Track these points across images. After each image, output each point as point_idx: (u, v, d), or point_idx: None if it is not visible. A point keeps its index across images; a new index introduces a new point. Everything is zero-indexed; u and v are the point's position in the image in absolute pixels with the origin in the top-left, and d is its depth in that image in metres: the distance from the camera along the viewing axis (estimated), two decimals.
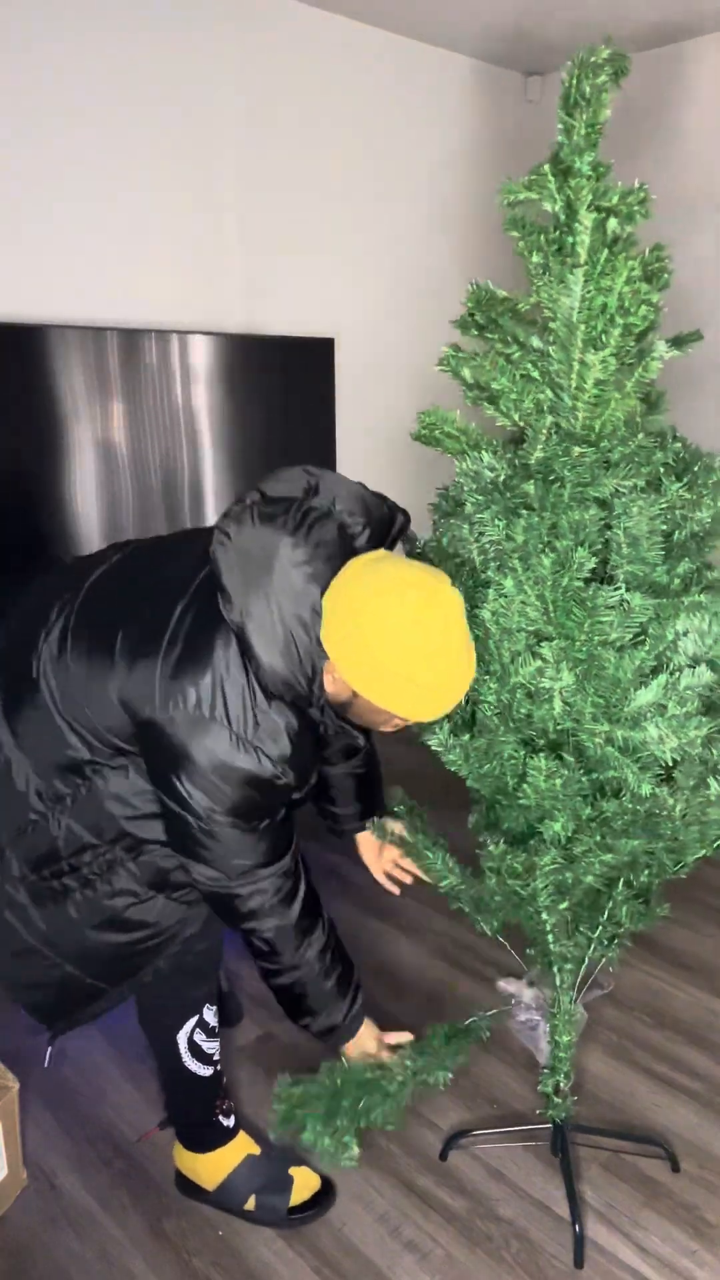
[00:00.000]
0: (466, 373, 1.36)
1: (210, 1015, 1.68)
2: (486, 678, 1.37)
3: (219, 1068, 1.72)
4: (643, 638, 1.28)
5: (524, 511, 1.28)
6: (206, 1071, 1.69)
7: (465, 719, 1.48)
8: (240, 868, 1.39)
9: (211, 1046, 1.69)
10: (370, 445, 3.91)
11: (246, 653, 1.29)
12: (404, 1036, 1.62)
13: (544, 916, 1.50)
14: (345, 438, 3.79)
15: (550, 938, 1.54)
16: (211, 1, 3.04)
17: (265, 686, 1.31)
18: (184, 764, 1.31)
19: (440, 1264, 1.64)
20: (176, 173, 3.08)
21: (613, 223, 1.18)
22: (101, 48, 2.83)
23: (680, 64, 3.62)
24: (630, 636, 1.27)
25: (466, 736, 1.43)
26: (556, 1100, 1.71)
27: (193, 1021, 1.65)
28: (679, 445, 1.36)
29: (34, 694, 1.40)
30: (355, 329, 3.72)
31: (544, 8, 3.29)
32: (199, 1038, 1.66)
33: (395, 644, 1.23)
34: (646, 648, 1.26)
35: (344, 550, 1.33)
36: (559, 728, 1.36)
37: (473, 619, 1.33)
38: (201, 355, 2.92)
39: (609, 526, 1.28)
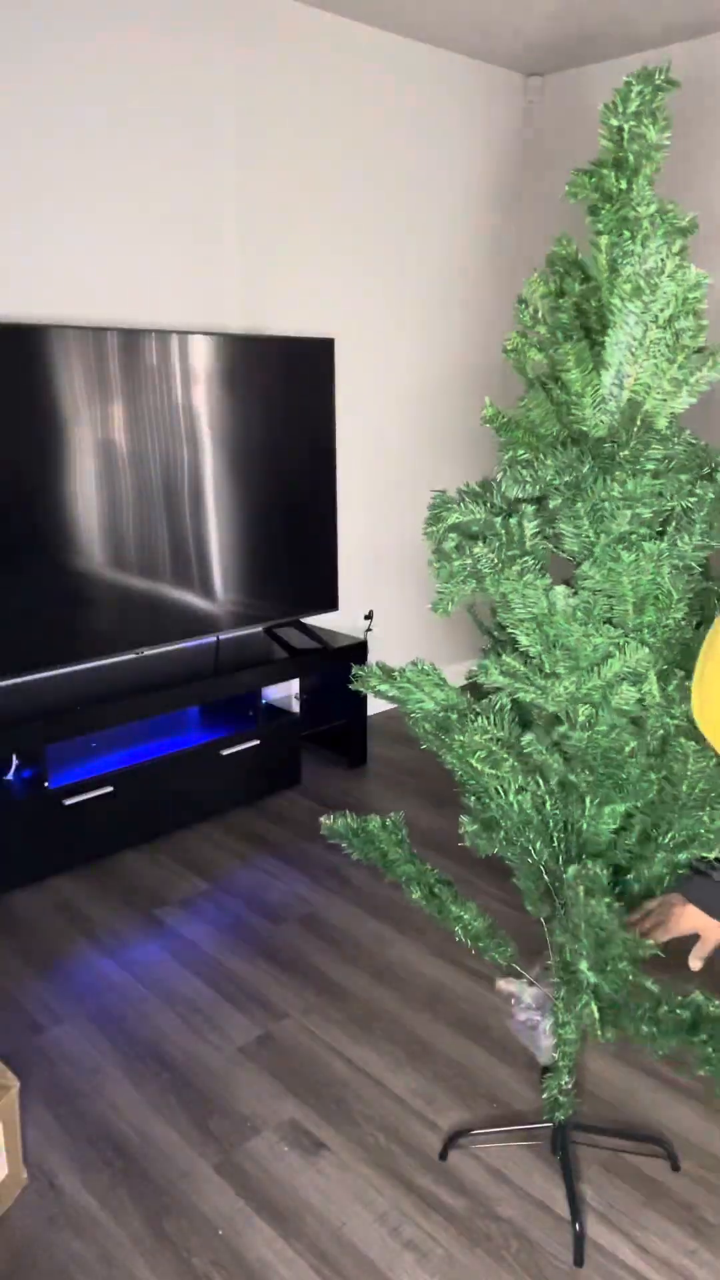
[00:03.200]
0: (535, 357, 1.36)
1: None
2: (564, 674, 1.38)
3: None
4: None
5: (620, 503, 1.28)
6: None
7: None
8: None
9: None
10: (370, 445, 3.91)
11: None
12: None
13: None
14: (345, 438, 3.79)
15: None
16: (211, 1, 3.04)
17: None
18: None
19: (440, 1264, 1.64)
20: (177, 172, 3.08)
21: (678, 242, 1.20)
22: (101, 47, 2.83)
23: (684, 63, 3.62)
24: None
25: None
26: (559, 1100, 1.71)
27: None
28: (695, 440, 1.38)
29: None
30: (355, 329, 3.72)
31: (544, 8, 3.29)
32: None
33: None
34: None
35: None
36: (647, 717, 1.39)
37: (545, 618, 1.34)
38: (201, 355, 2.92)
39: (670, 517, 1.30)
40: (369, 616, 3.93)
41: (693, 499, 1.29)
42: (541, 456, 1.32)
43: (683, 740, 1.36)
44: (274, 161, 3.33)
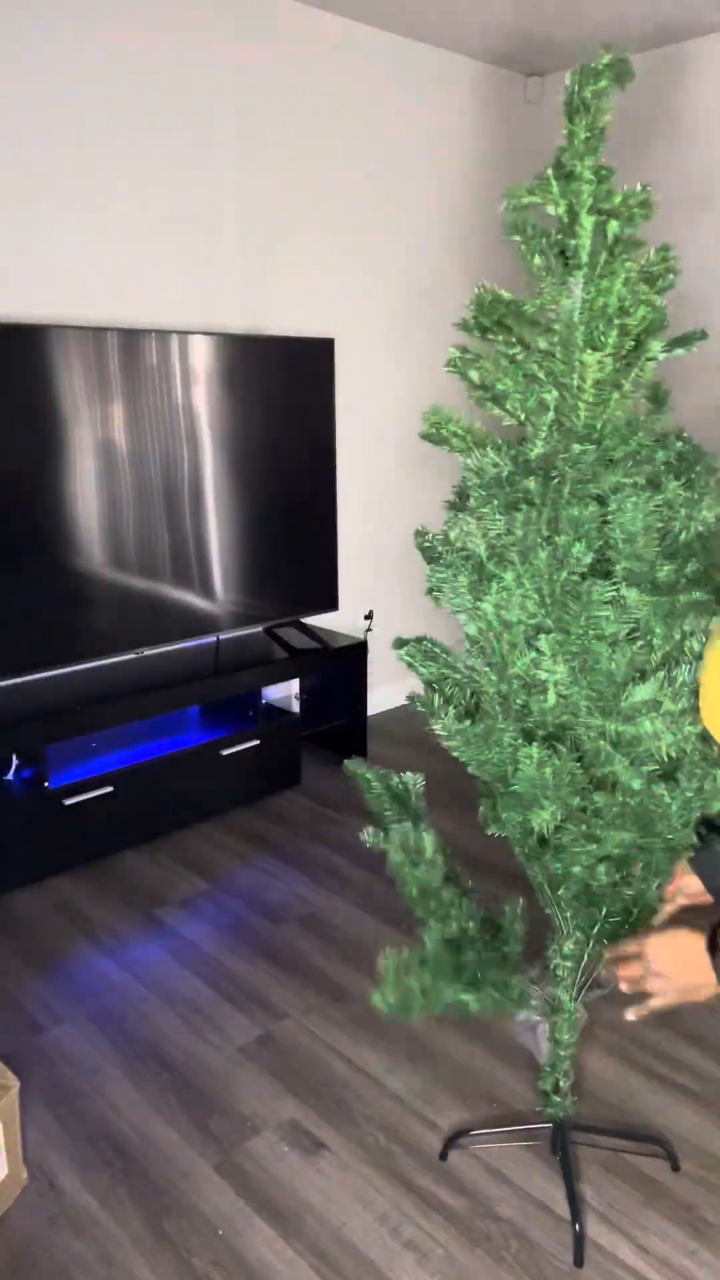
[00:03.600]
0: (474, 374, 1.39)
1: None
2: (487, 669, 1.39)
3: None
4: (638, 634, 1.29)
5: (524, 506, 1.29)
6: None
7: (469, 707, 1.49)
8: None
9: None
10: (370, 445, 3.91)
11: None
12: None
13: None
14: (345, 438, 3.79)
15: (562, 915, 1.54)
16: (211, 1, 3.04)
17: None
18: None
19: (440, 1264, 1.64)
20: (177, 172, 3.08)
21: (613, 225, 1.18)
22: (101, 47, 2.83)
23: (684, 63, 3.62)
24: (626, 632, 1.28)
25: (468, 723, 1.44)
26: (556, 1100, 1.72)
27: None
28: (681, 444, 1.36)
29: None
30: (355, 329, 3.72)
31: (544, 8, 3.29)
32: None
33: None
34: (639, 644, 1.27)
35: None
36: (556, 720, 1.37)
37: (476, 611, 1.35)
38: (201, 355, 2.92)
39: (607, 523, 1.28)
40: (369, 616, 3.93)
41: (617, 506, 1.31)
42: (468, 456, 1.40)
43: (534, 747, 1.36)
44: (274, 161, 3.33)
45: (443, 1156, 1.84)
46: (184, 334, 2.86)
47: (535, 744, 1.34)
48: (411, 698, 1.52)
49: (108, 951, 2.48)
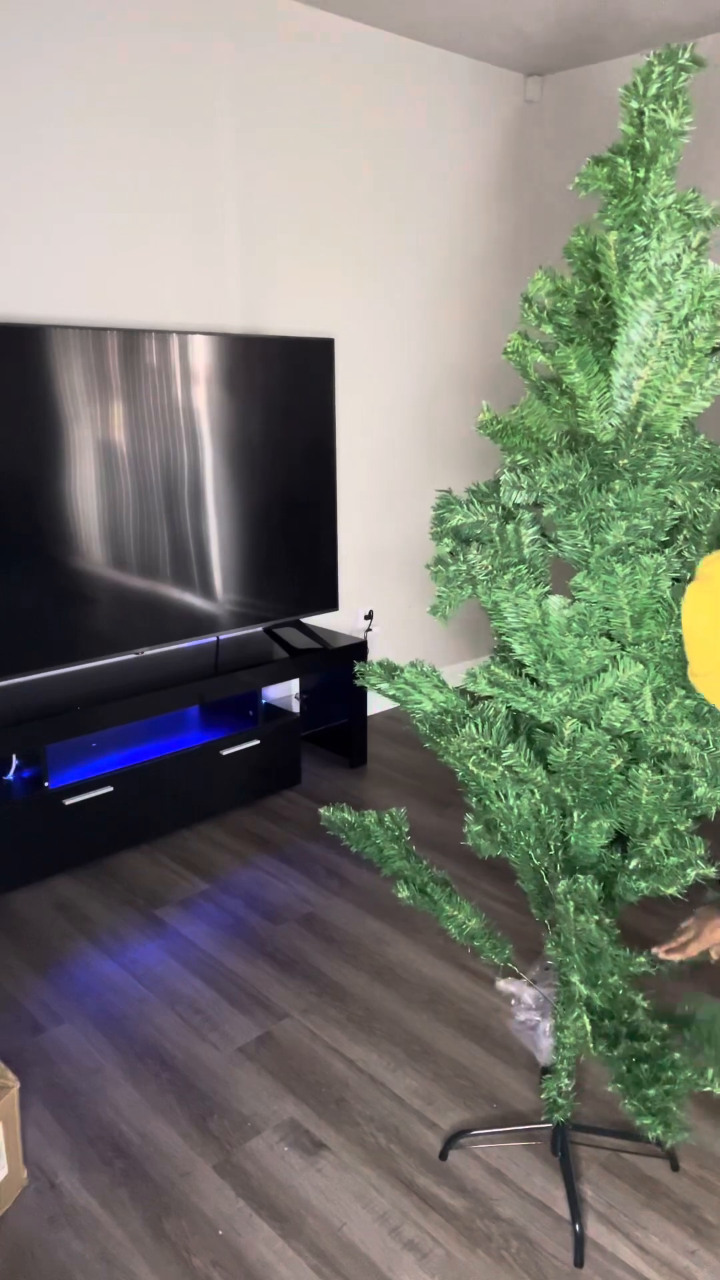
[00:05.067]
0: (537, 359, 1.29)
1: None
2: (547, 690, 1.35)
3: None
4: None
5: (616, 513, 1.24)
6: None
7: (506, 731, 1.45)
8: None
9: None
10: (370, 445, 3.91)
11: None
12: None
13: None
14: (345, 438, 3.79)
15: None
16: (211, 1, 3.04)
17: None
18: None
19: (440, 1264, 1.64)
20: (177, 172, 3.08)
21: (698, 235, 1.12)
22: (101, 48, 2.83)
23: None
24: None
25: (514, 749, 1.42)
26: (559, 1101, 1.71)
27: None
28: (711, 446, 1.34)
29: None
30: (355, 329, 3.72)
31: (544, 8, 3.29)
32: None
33: None
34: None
35: None
36: (643, 734, 1.35)
37: (539, 628, 1.31)
38: (201, 355, 2.92)
39: (679, 527, 1.27)
40: (369, 616, 3.93)
41: (699, 508, 1.25)
42: (539, 462, 1.27)
43: (642, 768, 1.33)
44: (274, 161, 3.33)
45: (443, 1156, 1.84)
46: (184, 334, 2.86)
47: (644, 766, 1.31)
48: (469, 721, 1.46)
49: (108, 951, 2.48)
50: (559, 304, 1.28)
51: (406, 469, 4.07)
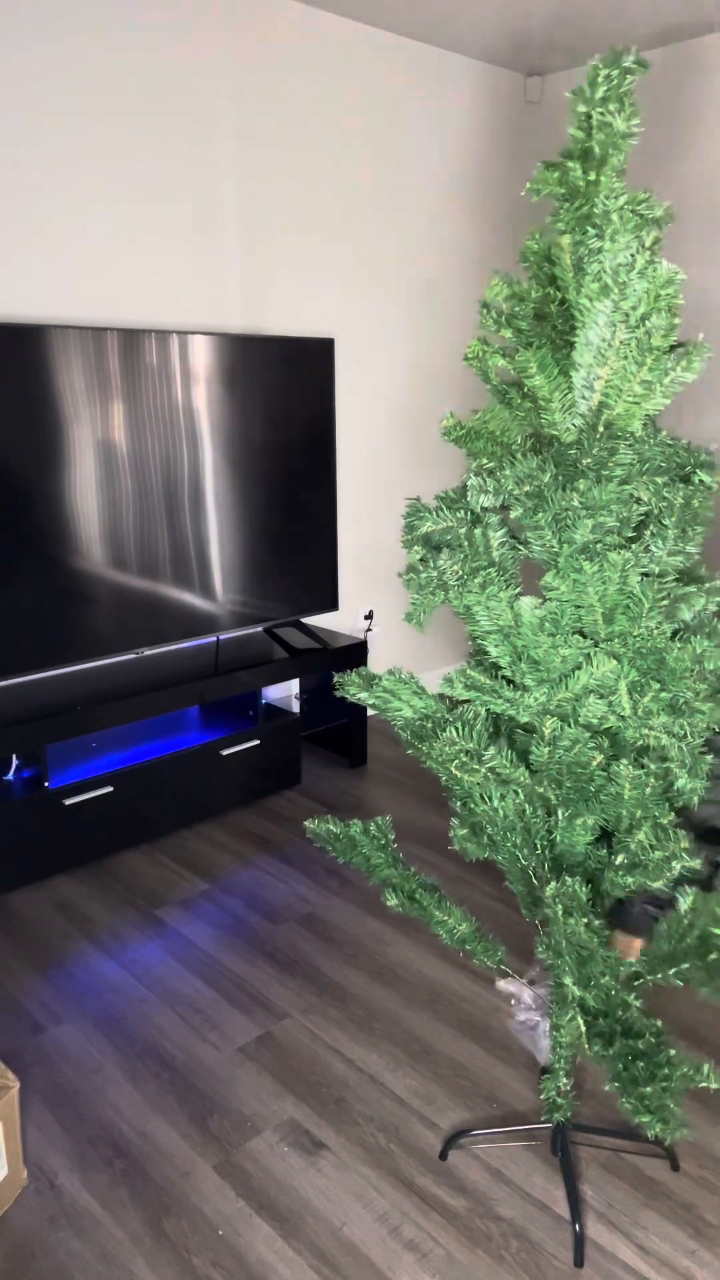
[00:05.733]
0: (498, 363, 1.31)
1: None
2: (524, 690, 1.35)
3: None
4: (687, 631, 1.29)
5: (581, 511, 1.25)
6: None
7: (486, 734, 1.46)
8: None
9: None
10: (370, 445, 3.91)
11: None
12: None
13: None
14: (345, 438, 3.79)
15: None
16: (211, 2, 3.04)
17: None
18: None
19: (440, 1264, 1.64)
20: (177, 172, 3.08)
21: (651, 235, 1.14)
22: (100, 47, 2.83)
23: (685, 63, 3.62)
24: (673, 629, 1.28)
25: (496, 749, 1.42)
26: (558, 1100, 1.71)
27: None
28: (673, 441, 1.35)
29: None
30: (355, 329, 3.72)
31: (544, 8, 3.29)
32: None
33: None
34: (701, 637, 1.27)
35: None
36: (621, 729, 1.36)
37: (516, 630, 1.31)
38: (201, 355, 2.92)
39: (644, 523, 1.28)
40: (369, 616, 3.93)
41: (663, 503, 1.26)
42: (504, 465, 1.29)
43: (623, 764, 1.33)
44: (274, 161, 3.33)
45: (443, 1156, 1.84)
46: (184, 334, 2.86)
47: (624, 761, 1.32)
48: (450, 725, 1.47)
49: (108, 951, 2.48)
50: (517, 308, 1.29)
51: (406, 469, 4.07)
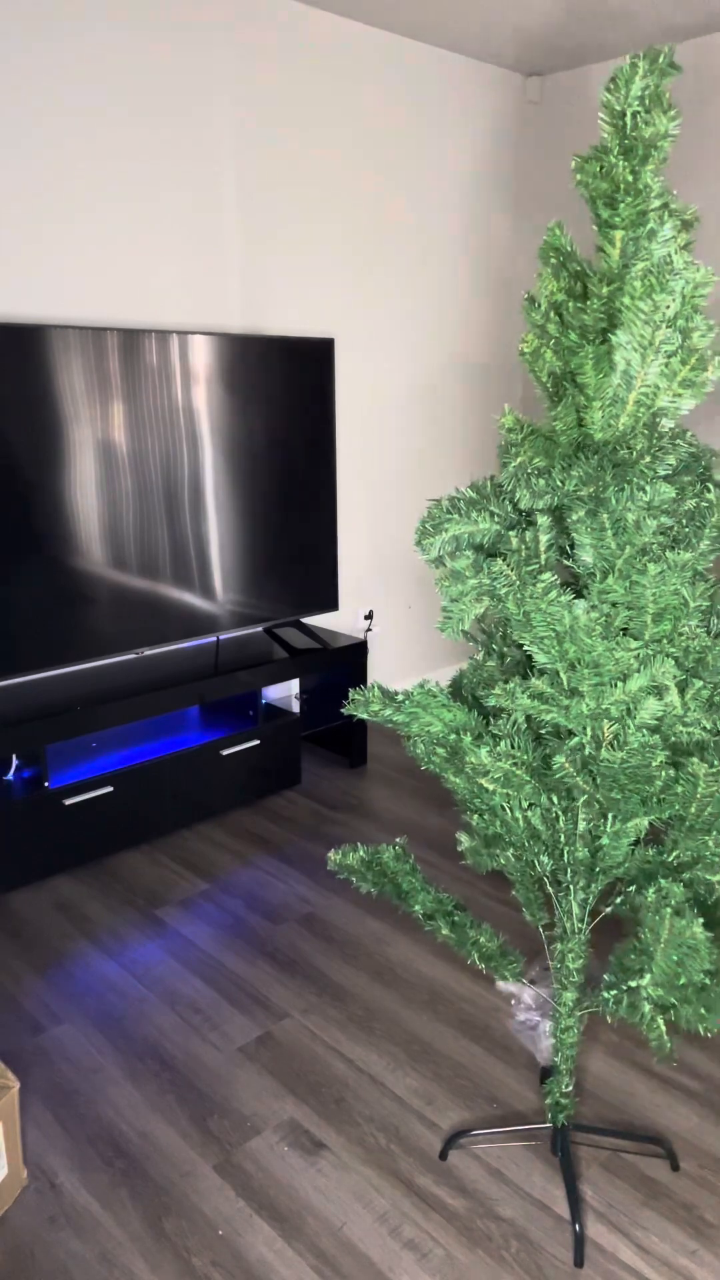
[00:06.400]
0: (549, 358, 1.29)
1: None
2: (574, 697, 1.34)
3: None
4: None
5: (644, 512, 1.24)
6: None
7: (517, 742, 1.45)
8: None
9: None
10: (370, 445, 3.91)
11: None
12: None
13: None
14: (345, 438, 3.79)
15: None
16: (211, 1, 3.04)
17: None
18: None
19: (440, 1264, 1.64)
20: (177, 172, 3.08)
21: (684, 236, 1.16)
22: (101, 47, 2.83)
23: (685, 64, 3.62)
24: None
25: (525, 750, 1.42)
26: (561, 1101, 1.71)
27: None
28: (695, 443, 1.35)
29: None
30: (355, 329, 3.72)
31: (544, 8, 3.29)
32: None
33: None
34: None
35: None
36: (672, 728, 1.36)
37: (566, 632, 1.30)
38: (201, 355, 2.92)
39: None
40: (369, 616, 3.93)
41: (705, 502, 1.26)
42: (560, 466, 1.26)
43: (694, 761, 1.33)
44: (274, 161, 3.33)
45: (443, 1156, 1.84)
46: (184, 334, 2.86)
47: (693, 757, 1.33)
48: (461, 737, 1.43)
49: (108, 951, 2.48)
50: (588, 304, 1.28)
51: (407, 469, 4.07)
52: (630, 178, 1.15)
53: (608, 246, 1.20)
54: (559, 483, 1.25)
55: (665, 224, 1.15)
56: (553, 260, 1.28)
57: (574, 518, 1.27)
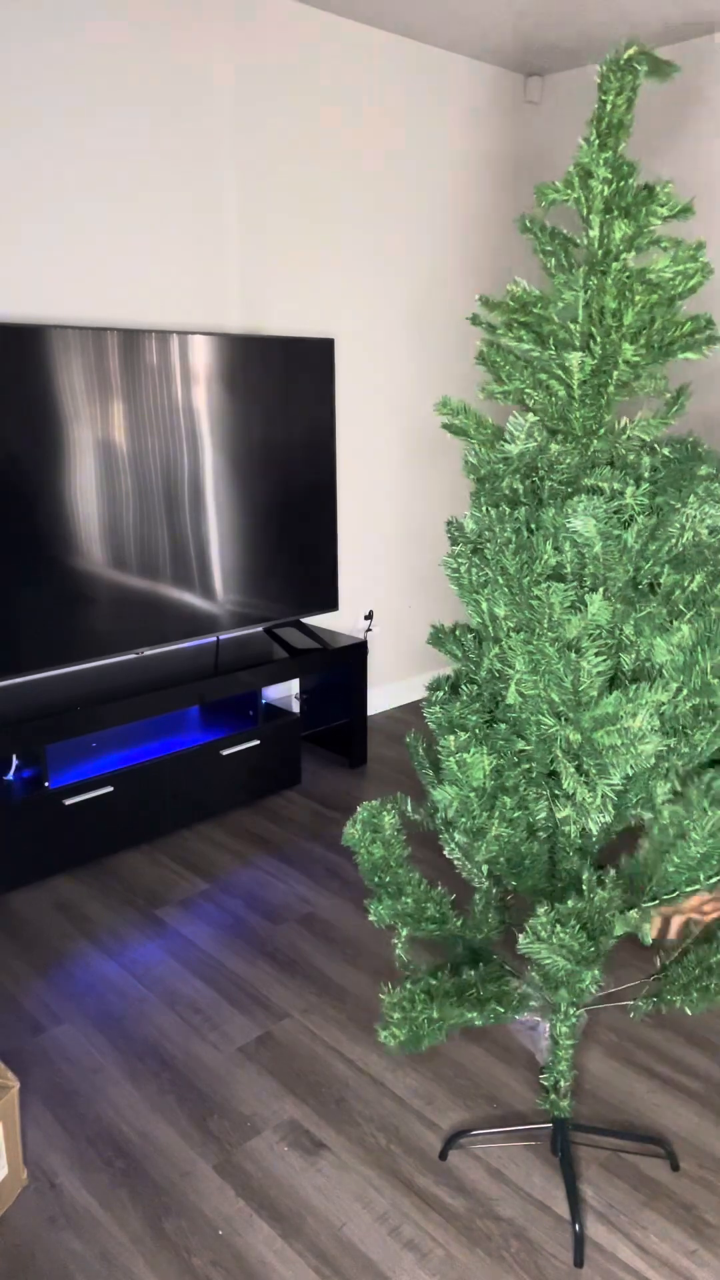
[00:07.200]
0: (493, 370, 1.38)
1: None
2: (475, 661, 1.41)
3: None
4: (610, 644, 1.29)
5: (502, 504, 1.29)
6: None
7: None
8: None
9: None
10: (370, 445, 3.91)
11: None
12: None
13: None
14: (345, 438, 3.79)
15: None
16: (211, 1, 3.04)
17: None
18: None
19: (440, 1264, 1.64)
20: (177, 172, 3.08)
21: (620, 225, 1.17)
22: (101, 46, 2.83)
23: (685, 63, 3.62)
24: (592, 640, 1.27)
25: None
26: (560, 1103, 1.71)
27: None
28: (668, 451, 1.34)
29: None
30: (355, 329, 3.72)
31: (544, 8, 3.29)
32: None
33: None
34: (602, 656, 1.27)
35: None
36: (517, 717, 1.39)
37: (473, 601, 1.38)
38: (201, 355, 2.92)
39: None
40: (369, 616, 3.93)
41: None
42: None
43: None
44: (274, 161, 3.33)
45: (443, 1156, 1.84)
46: (184, 334, 2.86)
47: (484, 746, 1.37)
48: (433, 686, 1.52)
49: (108, 951, 2.48)
50: (508, 312, 1.33)
51: (406, 469, 4.07)
52: (627, 167, 1.19)
53: (613, 230, 1.22)
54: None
55: (675, 210, 1.17)
56: (552, 250, 1.30)
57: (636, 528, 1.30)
